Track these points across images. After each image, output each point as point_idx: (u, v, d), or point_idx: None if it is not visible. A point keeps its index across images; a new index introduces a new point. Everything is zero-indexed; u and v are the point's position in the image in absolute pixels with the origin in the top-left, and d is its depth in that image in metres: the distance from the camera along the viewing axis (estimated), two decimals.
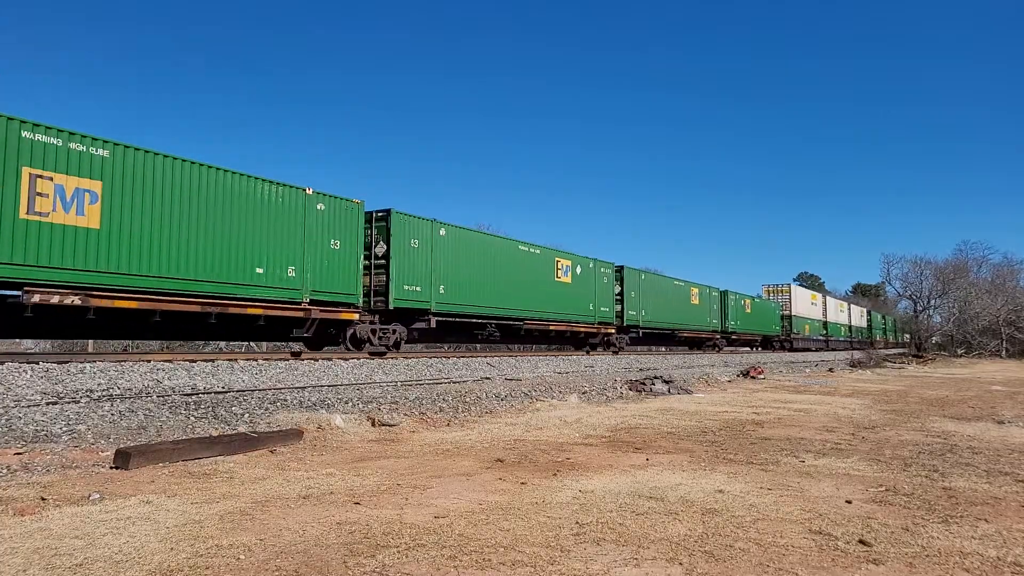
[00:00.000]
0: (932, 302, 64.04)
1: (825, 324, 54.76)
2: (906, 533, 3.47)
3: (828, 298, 58.35)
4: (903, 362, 33.35)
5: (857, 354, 38.19)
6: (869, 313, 72.84)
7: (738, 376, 17.72)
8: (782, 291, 49.06)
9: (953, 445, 6.58)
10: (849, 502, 4.13)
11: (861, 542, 3.28)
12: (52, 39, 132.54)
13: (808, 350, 49.47)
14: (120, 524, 3.44)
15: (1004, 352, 57.89)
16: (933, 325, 64.70)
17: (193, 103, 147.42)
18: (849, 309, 63.88)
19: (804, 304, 50.97)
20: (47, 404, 6.98)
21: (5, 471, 4.59)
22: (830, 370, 23.60)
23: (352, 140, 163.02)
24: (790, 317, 47.33)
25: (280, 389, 9.37)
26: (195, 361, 12.28)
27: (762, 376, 18.04)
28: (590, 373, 16.15)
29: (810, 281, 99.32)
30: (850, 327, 62.08)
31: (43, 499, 3.89)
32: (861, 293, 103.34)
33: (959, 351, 58.06)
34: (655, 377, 13.23)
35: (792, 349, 46.78)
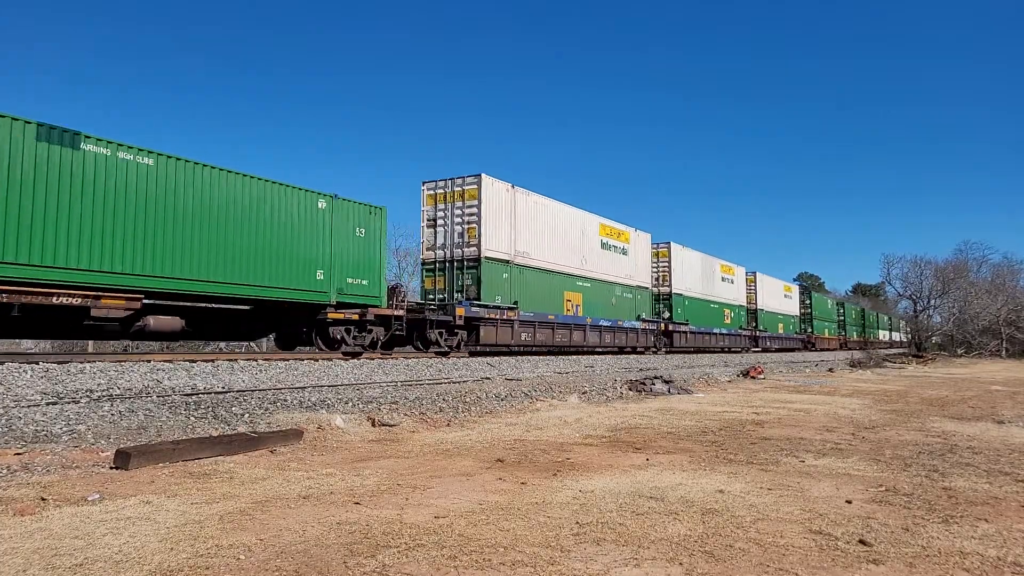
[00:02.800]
0: (932, 302, 64.05)
1: (668, 298, 32.36)
2: (906, 533, 3.47)
3: (688, 252, 34.60)
4: (903, 362, 33.36)
5: (857, 354, 38.10)
6: (808, 295, 51.41)
7: (738, 376, 17.72)
8: (462, 195, 20.11)
9: (953, 445, 6.58)
10: (849, 502, 4.13)
11: (861, 542, 3.28)
12: (50, 38, 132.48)
13: (589, 350, 26.37)
14: (120, 524, 3.43)
15: (1004, 352, 57.91)
16: (933, 325, 64.66)
17: (193, 103, 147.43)
18: (753, 282, 40.15)
19: (550, 246, 23.27)
20: (47, 404, 6.97)
21: (5, 471, 4.59)
22: (830, 370, 23.62)
23: (352, 140, 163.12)
24: (475, 265, 19.83)
25: (280, 389, 9.36)
26: (195, 361, 12.28)
27: (762, 376, 18.04)
28: (590, 373, 16.14)
29: (810, 281, 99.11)
30: (754, 312, 39.89)
31: (43, 499, 3.89)
32: (861, 293, 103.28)
33: (959, 351, 58.08)
34: (655, 377, 13.23)
35: (478, 349, 20.60)
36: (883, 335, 76.15)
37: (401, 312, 17.58)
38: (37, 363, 10.20)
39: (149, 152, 12.30)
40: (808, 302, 49.40)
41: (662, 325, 31.78)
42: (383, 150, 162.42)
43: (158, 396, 8.01)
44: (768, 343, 41.38)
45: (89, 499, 3.92)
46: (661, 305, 32.56)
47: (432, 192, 20.89)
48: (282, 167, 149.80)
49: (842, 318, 59.79)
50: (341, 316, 16.15)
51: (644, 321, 29.81)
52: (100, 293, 11.51)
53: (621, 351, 29.26)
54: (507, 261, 21.14)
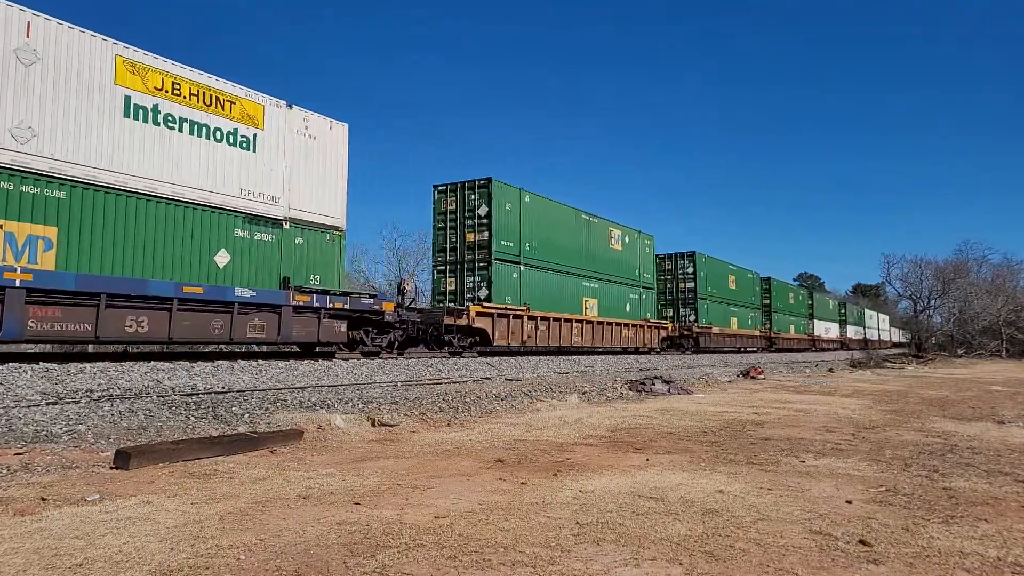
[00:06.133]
0: (932, 302, 64.01)
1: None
2: (906, 533, 3.47)
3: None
4: (903, 362, 33.37)
5: (857, 354, 38.15)
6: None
7: (738, 376, 17.72)
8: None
9: (953, 445, 6.58)
10: (849, 502, 4.13)
11: (861, 542, 3.28)
12: None
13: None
14: (120, 524, 3.43)
15: (1004, 352, 57.87)
16: (933, 325, 64.61)
17: None
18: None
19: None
20: (47, 404, 6.97)
21: (5, 471, 4.59)
22: (830, 370, 23.62)
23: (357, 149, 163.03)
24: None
25: (280, 389, 9.36)
26: (195, 361, 12.28)
27: (762, 376, 18.04)
28: (590, 373, 16.14)
29: (810, 281, 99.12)
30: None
31: (43, 499, 3.89)
32: (861, 293, 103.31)
33: (959, 351, 58.01)
34: (655, 377, 13.23)
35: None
36: (826, 329, 60.09)
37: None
38: (37, 363, 10.20)
39: None
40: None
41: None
42: (387, 154, 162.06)
43: (158, 396, 8.01)
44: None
45: (89, 499, 3.92)
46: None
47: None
48: None
49: (716, 293, 35.00)
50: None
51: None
52: None
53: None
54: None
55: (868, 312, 77.81)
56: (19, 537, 3.21)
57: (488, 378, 13.35)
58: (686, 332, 34.77)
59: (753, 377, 17.62)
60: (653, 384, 12.51)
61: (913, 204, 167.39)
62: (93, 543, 3.13)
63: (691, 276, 36.08)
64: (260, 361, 13.06)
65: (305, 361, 13.69)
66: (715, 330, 36.81)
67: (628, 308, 29.29)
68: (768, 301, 46.69)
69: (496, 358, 19.33)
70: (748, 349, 41.62)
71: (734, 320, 39.70)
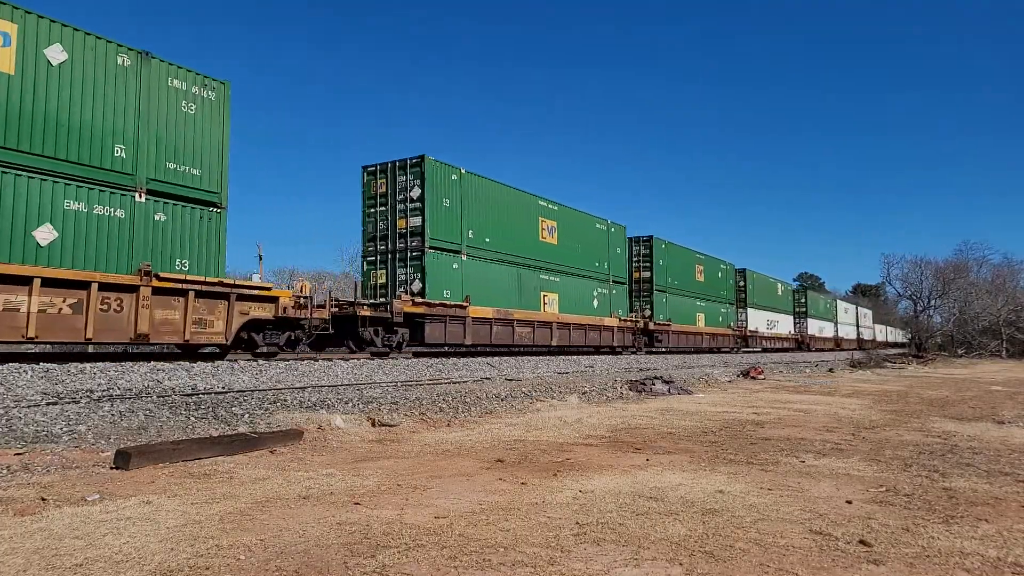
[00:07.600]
0: (932, 302, 64.01)
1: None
2: (906, 533, 3.47)
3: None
4: (903, 362, 33.37)
5: (858, 354, 38.06)
6: None
7: (738, 376, 17.73)
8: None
9: (953, 445, 6.57)
10: (849, 502, 4.12)
11: (861, 542, 3.28)
12: None
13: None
14: (120, 524, 3.43)
15: (1004, 352, 57.88)
16: (933, 325, 64.59)
17: None
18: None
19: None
20: (47, 404, 6.97)
21: (5, 471, 4.59)
22: (830, 370, 23.63)
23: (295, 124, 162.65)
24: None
25: (280, 389, 9.36)
26: (195, 361, 12.28)
27: (762, 376, 18.05)
28: (590, 373, 16.14)
29: (810, 281, 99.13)
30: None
31: (43, 499, 3.89)
32: (861, 293, 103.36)
33: (959, 351, 58.00)
34: (655, 377, 13.23)
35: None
36: (768, 323, 44.87)
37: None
38: (37, 363, 10.20)
39: None
40: None
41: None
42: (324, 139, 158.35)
43: (158, 396, 8.01)
44: None
45: (89, 499, 3.92)
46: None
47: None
48: None
49: (498, 249, 20.81)
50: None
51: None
52: None
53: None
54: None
55: (843, 304, 65.41)
56: (19, 537, 3.21)
57: (488, 378, 13.36)
58: (389, 313, 16.82)
59: (753, 377, 17.63)
60: (653, 384, 12.51)
61: (913, 204, 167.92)
62: (93, 543, 3.13)
63: (420, 211, 18.42)
64: (260, 361, 13.07)
65: (305, 361, 13.70)
66: (494, 312, 20.24)
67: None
68: (648, 274, 31.18)
69: (495, 358, 19.24)
70: (608, 348, 27.36)
71: (548, 298, 23.09)
